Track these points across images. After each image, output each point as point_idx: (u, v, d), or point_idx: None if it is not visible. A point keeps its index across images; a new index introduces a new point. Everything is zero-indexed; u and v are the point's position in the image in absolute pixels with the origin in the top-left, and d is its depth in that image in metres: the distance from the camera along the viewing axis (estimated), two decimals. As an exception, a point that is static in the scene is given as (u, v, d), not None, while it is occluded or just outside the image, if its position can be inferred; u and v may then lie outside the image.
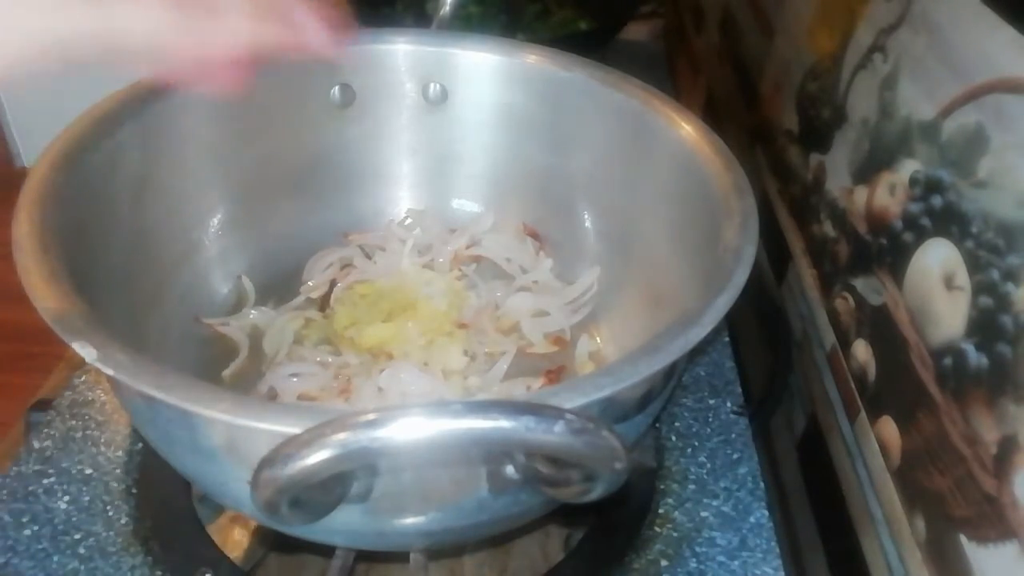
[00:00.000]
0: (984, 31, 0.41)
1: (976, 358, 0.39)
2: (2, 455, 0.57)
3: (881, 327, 0.49)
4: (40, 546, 0.50)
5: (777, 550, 0.52)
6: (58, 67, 0.33)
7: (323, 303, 0.66)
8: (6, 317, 1.08)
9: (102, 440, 0.56)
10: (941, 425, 0.42)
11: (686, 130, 0.56)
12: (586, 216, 0.67)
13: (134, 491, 0.53)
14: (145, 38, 0.36)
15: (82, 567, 0.49)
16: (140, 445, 0.56)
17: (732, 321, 0.69)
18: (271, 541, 0.55)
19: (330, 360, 0.61)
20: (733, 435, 0.59)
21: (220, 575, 0.49)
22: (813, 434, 0.59)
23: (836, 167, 0.59)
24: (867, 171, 0.53)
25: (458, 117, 0.69)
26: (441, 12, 0.71)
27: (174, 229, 0.59)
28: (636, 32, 1.20)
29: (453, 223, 0.72)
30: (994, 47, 0.40)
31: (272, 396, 0.57)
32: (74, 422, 0.57)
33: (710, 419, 0.60)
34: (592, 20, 1.04)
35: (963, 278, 0.41)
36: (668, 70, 1.21)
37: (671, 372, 0.46)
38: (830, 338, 0.57)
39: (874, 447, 0.49)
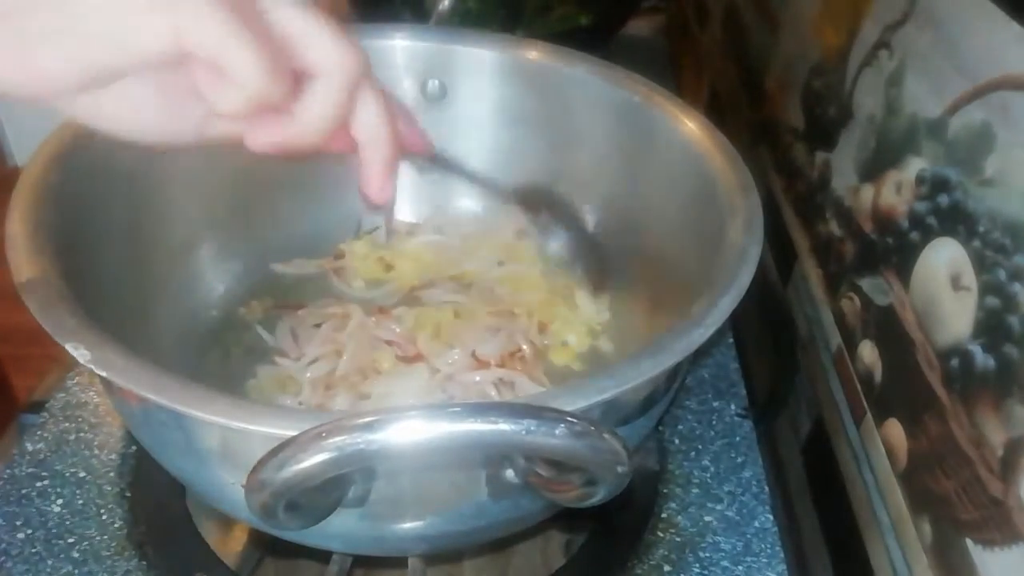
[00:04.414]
0: (990, 28, 0.41)
1: (983, 359, 0.39)
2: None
3: (887, 328, 0.49)
4: (34, 549, 0.49)
5: (782, 554, 0.52)
6: None
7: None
8: (-2, 318, 1.07)
9: (95, 443, 0.56)
10: (947, 427, 0.41)
11: (689, 127, 0.56)
12: (588, 215, 0.67)
13: (128, 494, 0.53)
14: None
15: (76, 571, 0.49)
16: (134, 448, 0.55)
17: (736, 322, 0.69)
18: (267, 545, 0.55)
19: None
20: (737, 438, 0.59)
21: (215, 580, 0.48)
22: (818, 437, 0.58)
23: (842, 165, 0.58)
24: (873, 169, 0.53)
25: (457, 114, 0.68)
26: (440, 7, 0.70)
27: (168, 229, 0.58)
28: (638, 28, 1.20)
29: (452, 223, 0.72)
30: (1000, 44, 0.40)
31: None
32: (67, 424, 0.57)
33: (714, 422, 0.60)
34: (594, 15, 1.04)
35: (970, 278, 0.41)
36: (671, 66, 1.21)
37: (674, 374, 0.45)
38: (836, 339, 0.56)
39: (880, 450, 0.49)
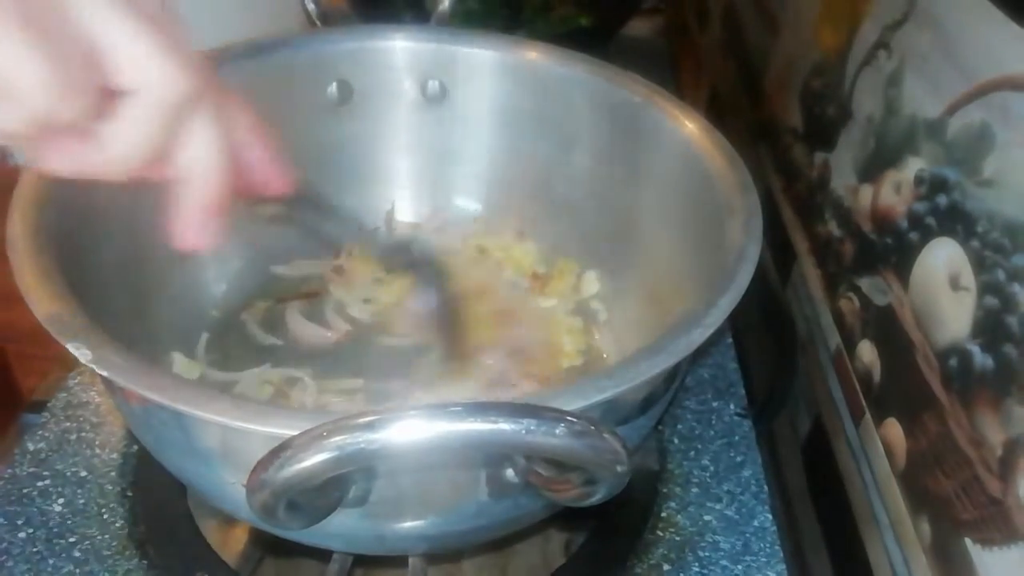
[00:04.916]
0: (989, 28, 0.41)
1: (982, 359, 0.39)
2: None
3: (886, 328, 0.49)
4: (35, 549, 0.49)
5: (781, 554, 0.52)
6: None
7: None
8: (0, 318, 1.07)
9: (97, 442, 0.56)
10: (946, 427, 0.41)
11: (689, 127, 0.56)
12: (587, 215, 0.67)
13: (129, 494, 0.53)
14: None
15: (77, 570, 0.49)
16: (135, 447, 0.55)
17: (736, 322, 0.69)
18: (267, 544, 0.54)
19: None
20: (737, 438, 0.59)
21: (216, 579, 0.48)
22: (817, 436, 0.58)
23: (841, 165, 0.58)
24: (872, 169, 0.53)
25: (457, 115, 0.68)
26: (440, 8, 0.70)
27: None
28: (638, 28, 1.19)
29: (452, 223, 0.72)
30: (999, 44, 0.40)
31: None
32: (69, 424, 0.57)
33: (713, 421, 0.60)
34: (594, 16, 1.04)
35: (968, 278, 0.41)
36: (671, 66, 1.20)
37: (674, 374, 0.45)
38: (835, 339, 0.56)
39: (879, 449, 0.49)
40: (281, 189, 0.41)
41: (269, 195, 0.41)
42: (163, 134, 0.29)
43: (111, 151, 0.29)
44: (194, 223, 0.33)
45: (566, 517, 0.54)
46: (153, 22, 0.28)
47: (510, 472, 0.38)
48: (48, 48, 0.25)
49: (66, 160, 0.29)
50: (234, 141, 0.35)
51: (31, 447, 0.55)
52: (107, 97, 0.28)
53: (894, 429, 0.47)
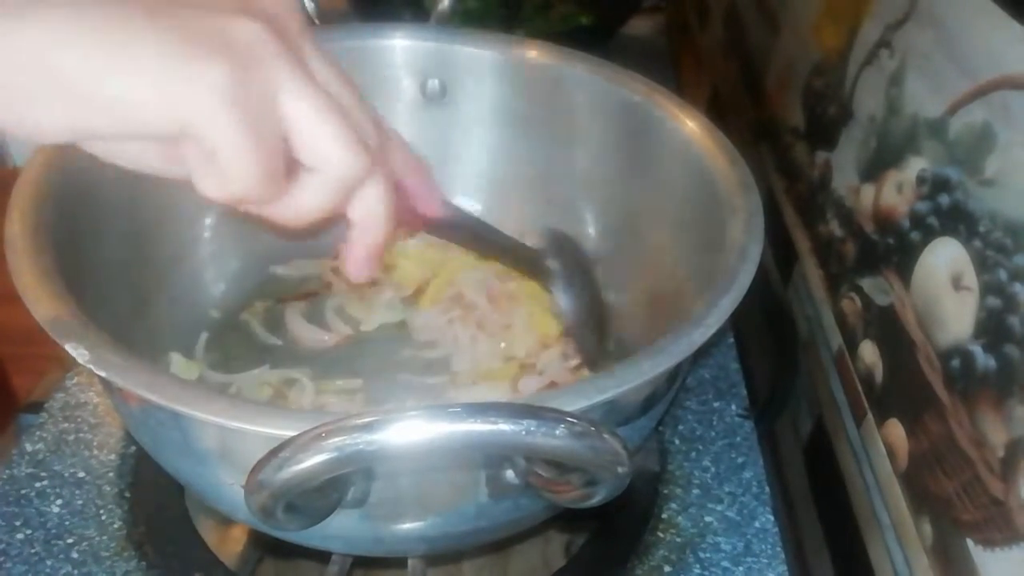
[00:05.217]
0: (991, 27, 0.41)
1: (984, 360, 0.39)
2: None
3: (888, 328, 0.49)
4: (33, 550, 0.49)
5: (782, 555, 0.51)
6: None
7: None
8: (-2, 318, 1.07)
9: (95, 443, 0.55)
10: (948, 428, 0.41)
11: (690, 126, 0.56)
12: (588, 214, 0.67)
13: (127, 495, 0.53)
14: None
15: (76, 572, 0.48)
16: (133, 448, 0.55)
17: (737, 322, 0.68)
18: (266, 545, 0.54)
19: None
20: (738, 438, 0.59)
21: (214, 580, 0.48)
22: (819, 437, 0.58)
23: (843, 165, 0.58)
24: (874, 169, 0.53)
25: (457, 114, 0.68)
26: (440, 6, 0.70)
27: (167, 229, 0.58)
28: (639, 27, 1.19)
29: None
30: (1001, 44, 0.40)
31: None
32: (66, 424, 0.56)
33: (714, 422, 0.60)
34: (594, 15, 1.04)
35: (971, 278, 0.40)
36: (671, 65, 1.20)
37: (675, 374, 0.45)
38: (836, 339, 0.56)
39: (881, 450, 0.48)
40: (436, 214, 0.46)
41: (426, 221, 0.46)
42: (340, 201, 0.34)
43: (291, 208, 0.33)
44: (364, 261, 0.37)
45: (566, 518, 0.54)
46: (335, 105, 0.31)
47: (510, 473, 0.38)
48: (257, 138, 0.29)
49: (251, 206, 0.33)
50: (393, 174, 0.39)
51: (29, 448, 0.55)
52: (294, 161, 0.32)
53: (896, 430, 0.47)
